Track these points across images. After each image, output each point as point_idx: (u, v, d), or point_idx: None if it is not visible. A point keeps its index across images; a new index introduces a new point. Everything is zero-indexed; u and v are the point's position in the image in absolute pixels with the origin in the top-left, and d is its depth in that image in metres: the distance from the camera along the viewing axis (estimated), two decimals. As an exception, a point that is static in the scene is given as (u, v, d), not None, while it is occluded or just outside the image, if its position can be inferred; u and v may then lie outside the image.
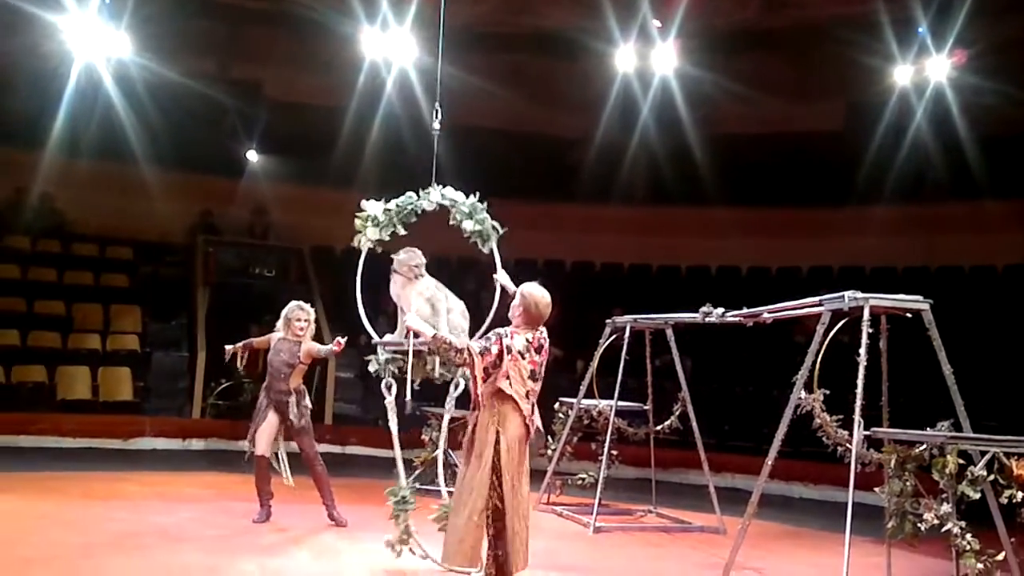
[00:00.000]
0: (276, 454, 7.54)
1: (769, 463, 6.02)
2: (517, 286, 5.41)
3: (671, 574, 6.91)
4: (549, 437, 9.15)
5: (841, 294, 5.84)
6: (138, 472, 9.88)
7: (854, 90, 15.35)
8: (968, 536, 4.98)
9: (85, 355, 13.06)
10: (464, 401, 5.89)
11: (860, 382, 5.64)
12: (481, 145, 15.36)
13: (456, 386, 6.23)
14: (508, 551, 5.12)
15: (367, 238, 6.18)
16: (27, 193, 14.57)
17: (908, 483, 5.37)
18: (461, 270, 12.92)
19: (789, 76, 15.51)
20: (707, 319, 7.38)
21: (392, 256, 6.42)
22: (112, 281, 14.76)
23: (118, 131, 14.13)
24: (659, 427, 9.06)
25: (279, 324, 7.58)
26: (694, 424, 8.64)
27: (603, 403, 8.99)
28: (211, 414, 12.85)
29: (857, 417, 5.64)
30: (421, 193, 6.24)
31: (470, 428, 5.27)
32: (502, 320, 5.45)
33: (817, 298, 6.12)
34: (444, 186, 6.28)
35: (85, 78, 13.17)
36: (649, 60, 14.26)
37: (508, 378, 5.07)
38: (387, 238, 6.22)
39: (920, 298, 5.85)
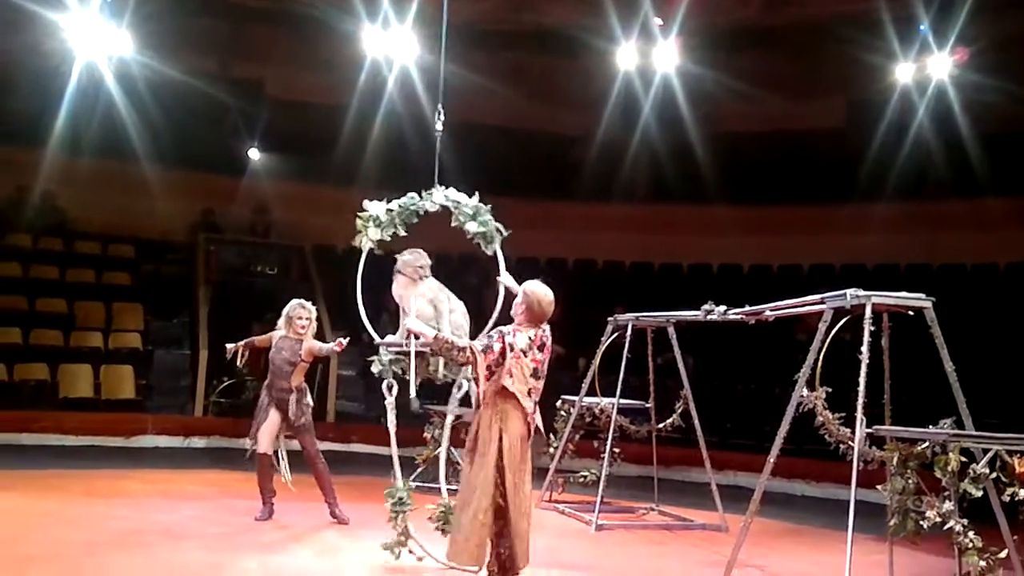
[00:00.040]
0: (276, 452, 7.55)
1: (771, 461, 6.01)
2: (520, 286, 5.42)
3: (673, 572, 6.91)
4: (551, 435, 9.15)
5: (843, 292, 5.83)
6: (140, 470, 9.89)
7: (856, 88, 15.33)
8: (970, 534, 4.98)
9: (87, 353, 13.07)
10: (468, 401, 5.89)
11: (862, 380, 5.63)
12: (482, 143, 15.36)
13: (459, 387, 6.23)
14: (511, 549, 5.12)
15: (368, 238, 6.19)
16: (29, 191, 14.57)
17: (910, 481, 5.38)
18: (462, 266, 12.93)
19: (791, 74, 15.49)
20: (709, 317, 7.37)
21: (396, 256, 6.42)
22: (114, 279, 14.77)
23: (119, 129, 14.15)
24: (661, 425, 9.06)
25: (280, 322, 7.58)
26: (696, 422, 8.63)
27: (605, 401, 8.99)
28: (213, 412, 12.87)
29: (859, 415, 5.64)
30: (424, 194, 6.25)
31: (473, 427, 5.27)
32: (505, 322, 5.45)
33: (819, 296, 6.11)
34: (446, 186, 6.28)
35: (86, 76, 13.18)
36: (650, 58, 14.25)
37: (511, 375, 5.07)
38: (388, 238, 6.23)
39: (922, 296, 5.84)
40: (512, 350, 5.08)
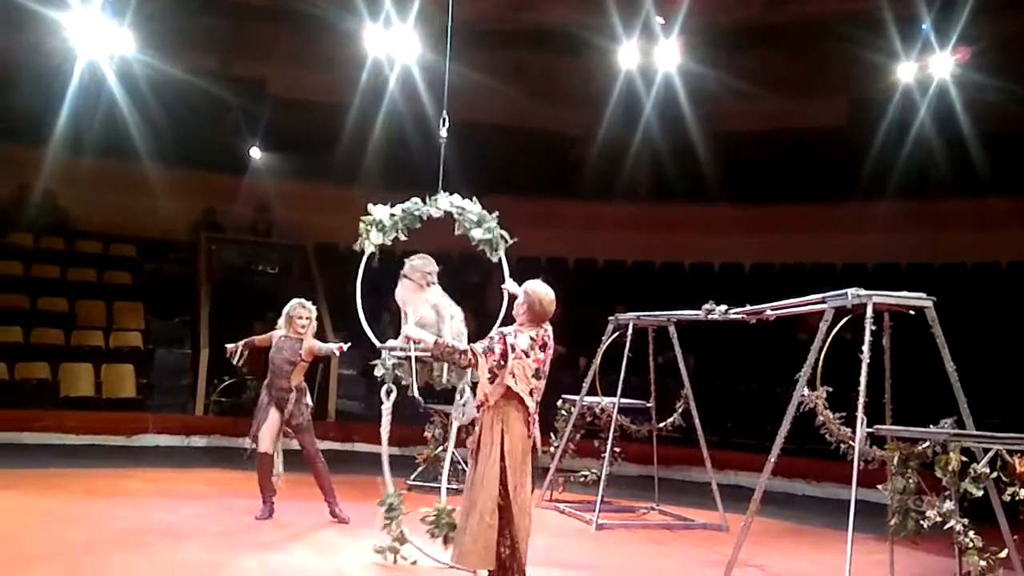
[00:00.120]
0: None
1: (772, 460, 6.01)
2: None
3: (673, 571, 6.91)
4: (551, 435, 9.16)
5: (844, 291, 5.83)
6: (141, 469, 9.89)
7: (857, 87, 15.33)
8: (971, 533, 4.98)
9: (88, 352, 13.08)
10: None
11: (863, 379, 5.63)
12: (483, 142, 15.34)
13: (462, 394, 6.22)
14: (512, 548, 5.11)
15: (370, 242, 6.18)
16: (30, 190, 14.59)
17: (911, 480, 5.37)
18: (462, 265, 12.92)
19: (792, 73, 15.48)
20: (710, 316, 7.37)
21: (404, 260, 6.42)
22: (115, 278, 14.77)
23: (121, 128, 14.17)
24: (662, 424, 9.07)
25: (281, 321, 7.58)
26: (697, 421, 8.64)
27: (606, 400, 8.99)
28: (214, 411, 12.86)
29: (860, 414, 5.64)
30: (428, 200, 6.25)
31: (477, 428, 5.26)
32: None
33: (820, 295, 6.11)
34: (447, 186, 6.28)
35: (88, 75, 13.20)
36: (652, 57, 14.26)
37: (514, 376, 5.07)
38: (389, 243, 6.24)
39: (923, 295, 5.85)
40: (514, 351, 5.07)
